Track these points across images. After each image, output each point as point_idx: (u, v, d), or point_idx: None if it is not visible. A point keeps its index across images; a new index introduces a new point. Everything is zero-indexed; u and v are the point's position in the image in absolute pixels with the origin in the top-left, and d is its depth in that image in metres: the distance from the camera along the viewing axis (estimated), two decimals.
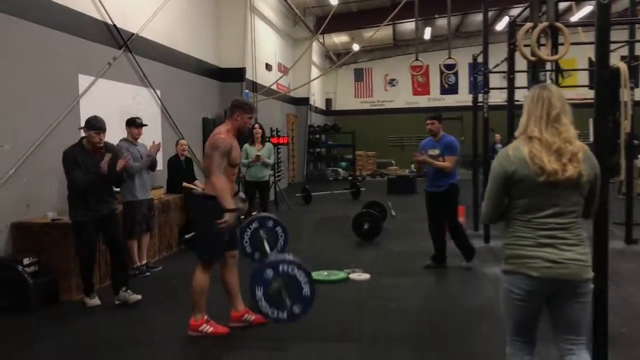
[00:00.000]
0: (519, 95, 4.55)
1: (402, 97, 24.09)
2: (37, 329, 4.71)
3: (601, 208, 2.87)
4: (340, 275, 6.16)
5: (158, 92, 8.64)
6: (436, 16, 18.37)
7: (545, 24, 3.46)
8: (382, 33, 21.33)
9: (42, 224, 5.58)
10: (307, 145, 19.63)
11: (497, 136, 14.20)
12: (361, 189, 13.73)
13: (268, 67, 14.93)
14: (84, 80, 6.76)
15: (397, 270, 6.57)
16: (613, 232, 8.12)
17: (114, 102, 7.45)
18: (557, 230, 2.42)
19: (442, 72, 23.41)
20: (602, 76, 3.24)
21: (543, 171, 2.36)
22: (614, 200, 8.74)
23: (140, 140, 6.48)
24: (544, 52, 3.59)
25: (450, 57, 8.60)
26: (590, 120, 3.72)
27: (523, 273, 2.45)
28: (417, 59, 10.17)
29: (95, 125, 5.15)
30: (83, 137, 5.28)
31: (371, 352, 4.10)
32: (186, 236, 7.64)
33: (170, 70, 9.22)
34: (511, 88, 6.06)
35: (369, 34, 21.65)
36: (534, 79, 4.95)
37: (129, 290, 5.34)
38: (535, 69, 4.03)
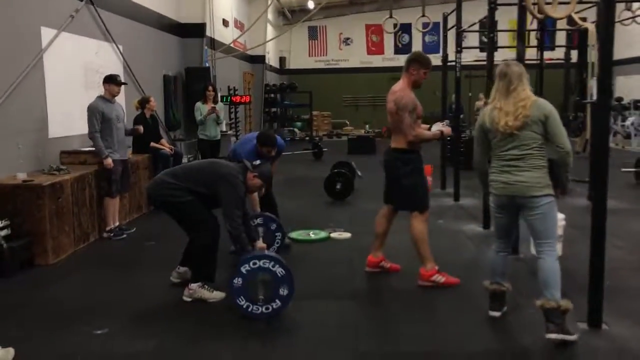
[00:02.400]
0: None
1: (357, 56, 23.95)
2: (12, 294, 4.53)
3: (600, 192, 3.52)
4: (322, 234, 6.17)
5: (120, 47, 8.25)
6: None
7: None
8: None
9: (13, 186, 5.29)
10: (263, 105, 19.33)
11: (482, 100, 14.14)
12: (324, 150, 13.70)
13: (225, 23, 14.50)
14: (47, 34, 6.35)
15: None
16: (574, 189, 8.53)
17: (77, 57, 7.07)
18: (512, 160, 3.41)
19: (395, 32, 23.52)
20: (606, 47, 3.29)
21: (497, 129, 3.43)
22: (575, 159, 9.15)
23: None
24: (552, 10, 3.62)
25: (424, 15, 8.52)
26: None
27: (492, 192, 3.57)
28: (391, 17, 9.89)
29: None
30: None
31: (371, 308, 4.16)
32: None
33: (132, 25, 8.81)
34: (490, 48, 6.09)
35: None
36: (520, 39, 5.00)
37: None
38: (543, 27, 4.07)
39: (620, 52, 8.33)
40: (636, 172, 8.96)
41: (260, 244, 4.55)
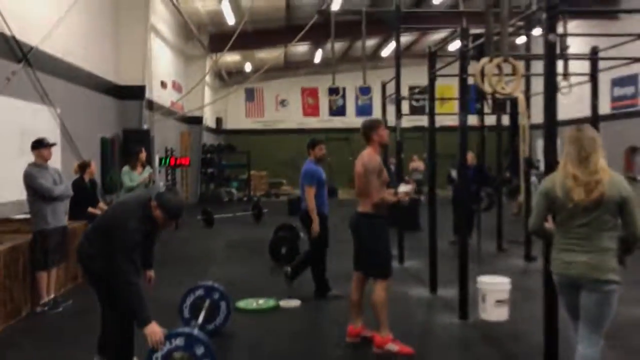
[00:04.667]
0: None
1: (293, 117, 24.35)
2: None
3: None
4: (270, 303, 6.04)
5: (58, 110, 8.02)
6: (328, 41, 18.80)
7: (500, 58, 3.70)
8: (274, 54, 21.53)
9: None
10: (200, 166, 19.14)
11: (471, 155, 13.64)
12: (264, 211, 13.60)
13: (163, 84, 14.45)
14: None
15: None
16: (509, 249, 8.83)
17: (12, 121, 6.81)
18: (580, 239, 3.11)
19: (330, 95, 24.16)
20: (551, 112, 3.50)
21: (572, 200, 3.08)
22: (506, 221, 9.52)
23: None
24: (500, 85, 3.83)
25: (365, 84, 8.86)
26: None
27: (552, 272, 3.28)
28: (333, 84, 10.16)
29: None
30: None
31: None
32: None
33: (70, 87, 8.63)
34: (432, 113, 6.35)
35: (261, 54, 21.73)
36: (462, 109, 5.26)
37: None
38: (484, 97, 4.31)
39: (539, 117, 8.88)
40: None
41: None
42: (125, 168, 8.30)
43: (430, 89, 6.35)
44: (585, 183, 3.04)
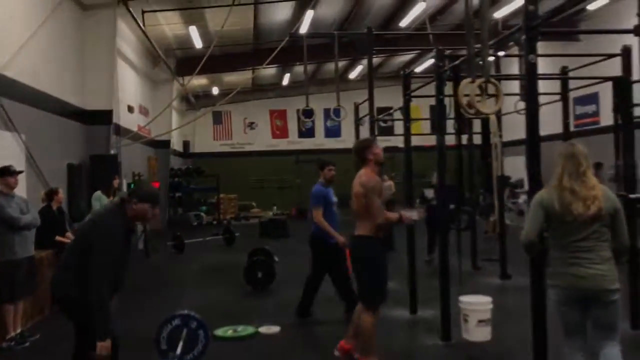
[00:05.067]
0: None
1: (262, 140, 24.25)
2: None
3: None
4: (249, 329, 5.90)
5: (23, 136, 7.77)
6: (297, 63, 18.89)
7: (482, 79, 3.72)
8: (241, 77, 21.48)
9: None
10: (168, 190, 18.83)
11: None
12: (235, 234, 13.41)
13: (130, 109, 14.21)
14: None
15: (306, 319, 6.40)
16: (484, 268, 8.87)
17: None
18: (582, 252, 3.18)
19: (299, 117, 24.21)
20: (533, 132, 3.53)
21: (572, 214, 3.16)
22: (480, 239, 9.58)
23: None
24: (483, 106, 3.84)
25: (339, 105, 8.83)
26: None
27: (557, 286, 3.27)
28: (307, 106, 10.06)
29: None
30: None
31: None
32: None
33: (35, 113, 8.38)
34: (407, 135, 6.38)
35: (228, 77, 21.65)
36: (439, 130, 5.27)
37: None
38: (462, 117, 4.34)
39: (506, 135, 9.08)
40: None
41: None
42: (97, 193, 8.20)
43: (405, 110, 6.39)
44: (584, 197, 3.14)
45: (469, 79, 3.73)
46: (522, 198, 15.94)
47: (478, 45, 4.10)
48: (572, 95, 9.68)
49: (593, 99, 15.05)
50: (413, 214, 4.68)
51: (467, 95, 3.67)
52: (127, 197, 3.61)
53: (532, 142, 3.57)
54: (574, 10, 13.11)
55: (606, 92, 13.66)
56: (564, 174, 3.21)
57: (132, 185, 12.09)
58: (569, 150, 3.27)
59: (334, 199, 6.26)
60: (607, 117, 15.14)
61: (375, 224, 4.38)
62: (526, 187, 13.49)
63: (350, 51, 15.76)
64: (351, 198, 4.49)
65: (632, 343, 4.78)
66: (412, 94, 6.38)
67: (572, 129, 15.34)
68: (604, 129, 14.44)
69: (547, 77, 7.16)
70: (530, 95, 3.58)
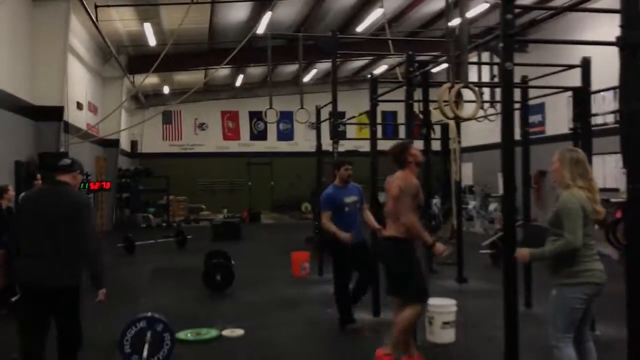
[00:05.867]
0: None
1: (213, 141, 23.91)
2: None
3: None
4: (213, 333, 5.79)
5: None
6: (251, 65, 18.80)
7: (460, 85, 3.79)
8: (194, 77, 21.13)
9: None
10: (116, 191, 18.28)
11: None
12: (187, 237, 13.15)
13: (79, 106, 13.76)
14: None
15: (268, 322, 6.38)
16: (441, 271, 9.02)
17: None
18: (594, 249, 3.48)
19: (251, 119, 24.03)
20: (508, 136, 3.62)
21: (597, 212, 3.45)
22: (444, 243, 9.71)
23: None
24: (459, 111, 3.91)
25: (302, 107, 8.76)
26: None
27: (591, 282, 3.43)
28: (270, 107, 9.79)
29: None
30: None
31: None
32: (12, 299, 6.52)
33: None
34: (374, 139, 6.43)
35: (180, 76, 21.26)
36: (408, 134, 5.34)
37: None
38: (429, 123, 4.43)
39: (469, 140, 9.25)
40: (491, 253, 9.77)
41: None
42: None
43: (372, 114, 6.43)
44: (598, 199, 3.46)
45: (448, 84, 3.80)
46: (472, 204, 16.33)
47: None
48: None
49: (540, 108, 15.63)
50: (446, 250, 4.68)
51: (446, 101, 3.74)
52: (65, 171, 3.91)
53: (507, 148, 3.66)
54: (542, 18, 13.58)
55: (553, 103, 14.33)
56: (577, 177, 3.43)
57: (84, 186, 11.70)
58: (576, 156, 3.50)
59: (350, 199, 5.94)
60: (552, 127, 15.81)
61: (403, 223, 4.40)
62: (475, 193, 13.81)
63: (310, 54, 15.80)
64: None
65: None
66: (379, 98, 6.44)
67: (519, 137, 16.03)
68: (550, 138, 15.06)
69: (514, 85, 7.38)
70: (505, 101, 3.67)
